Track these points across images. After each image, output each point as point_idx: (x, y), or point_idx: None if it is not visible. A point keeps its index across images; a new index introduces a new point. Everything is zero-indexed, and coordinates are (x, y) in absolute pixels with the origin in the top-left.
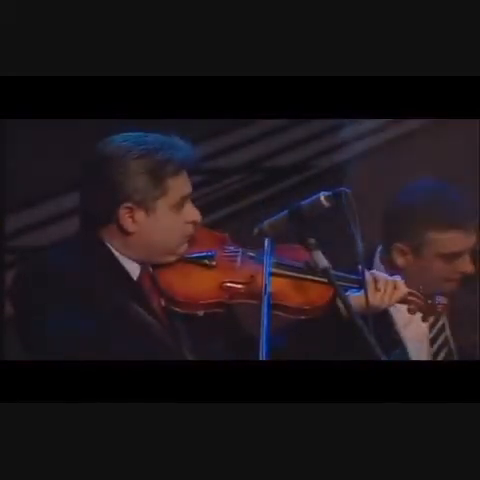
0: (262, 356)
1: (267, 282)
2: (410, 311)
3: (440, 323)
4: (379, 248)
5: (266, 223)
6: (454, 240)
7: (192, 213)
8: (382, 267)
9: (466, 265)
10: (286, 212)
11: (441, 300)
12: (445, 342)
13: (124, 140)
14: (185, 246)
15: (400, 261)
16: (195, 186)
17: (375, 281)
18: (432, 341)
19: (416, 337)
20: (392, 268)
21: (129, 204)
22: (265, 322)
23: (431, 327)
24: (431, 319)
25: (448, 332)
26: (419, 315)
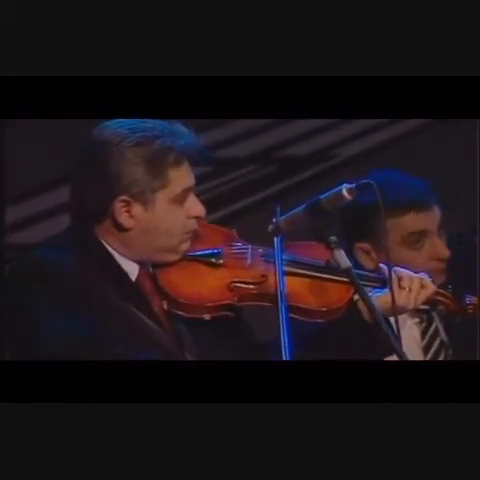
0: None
1: (282, 282)
2: (438, 312)
3: (433, 328)
4: None
5: (282, 219)
6: (412, 220)
7: (195, 207)
8: None
9: (439, 249)
10: (304, 207)
11: (472, 300)
12: (440, 348)
13: (120, 126)
14: (188, 243)
15: (367, 262)
16: (201, 178)
17: (399, 279)
18: (425, 349)
19: (407, 345)
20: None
21: (125, 197)
22: (285, 325)
23: (423, 334)
24: (424, 324)
25: (443, 336)
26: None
